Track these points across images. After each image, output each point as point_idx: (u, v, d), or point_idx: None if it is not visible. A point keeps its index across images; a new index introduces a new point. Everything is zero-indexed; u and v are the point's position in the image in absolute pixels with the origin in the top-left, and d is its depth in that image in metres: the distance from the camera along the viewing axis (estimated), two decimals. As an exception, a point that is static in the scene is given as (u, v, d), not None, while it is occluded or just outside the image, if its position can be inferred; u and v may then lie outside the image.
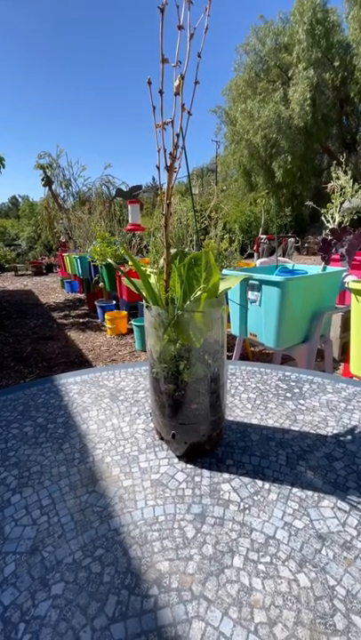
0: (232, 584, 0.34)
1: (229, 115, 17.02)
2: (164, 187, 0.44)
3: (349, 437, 0.57)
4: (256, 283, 1.75)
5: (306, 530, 0.40)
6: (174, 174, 0.42)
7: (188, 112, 0.38)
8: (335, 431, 0.59)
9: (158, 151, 0.41)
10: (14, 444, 0.58)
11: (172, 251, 0.50)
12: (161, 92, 0.37)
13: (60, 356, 3.27)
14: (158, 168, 0.42)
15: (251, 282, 1.78)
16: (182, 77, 0.37)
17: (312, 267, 2.14)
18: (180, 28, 0.37)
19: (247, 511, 0.43)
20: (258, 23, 15.70)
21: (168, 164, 0.41)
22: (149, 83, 0.39)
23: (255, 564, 0.36)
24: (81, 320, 4.68)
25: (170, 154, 0.40)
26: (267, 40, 15.48)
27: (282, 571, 0.36)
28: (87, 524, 0.42)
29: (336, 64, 14.06)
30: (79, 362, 3.09)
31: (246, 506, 0.44)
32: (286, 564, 0.36)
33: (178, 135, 0.39)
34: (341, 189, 2.00)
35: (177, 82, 0.38)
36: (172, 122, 0.39)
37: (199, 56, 0.37)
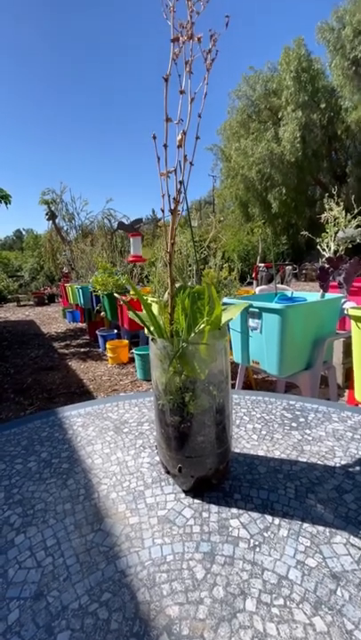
0: (245, 630, 0.33)
1: (225, 152, 18.03)
2: (168, 222, 0.47)
3: (358, 468, 0.56)
4: (256, 310, 1.78)
5: (319, 569, 0.39)
6: (177, 216, 0.45)
7: (190, 162, 0.42)
8: (343, 462, 0.58)
9: (163, 196, 0.44)
10: (18, 481, 0.57)
11: (176, 285, 0.53)
12: (165, 146, 0.41)
13: (60, 386, 3.24)
14: (163, 211, 0.45)
15: (251, 309, 1.81)
16: (184, 133, 0.41)
17: (311, 294, 2.17)
18: (181, 92, 0.41)
19: (258, 549, 0.42)
20: (248, 73, 17.09)
21: (172, 208, 0.44)
22: (154, 137, 0.43)
23: (268, 608, 0.35)
24: (82, 349, 4.67)
25: (174, 199, 0.43)
26: (257, 86, 16.74)
27: (296, 614, 0.34)
28: (93, 566, 0.40)
29: (323, 106, 15.10)
30: (80, 392, 3.06)
31: (257, 543, 0.43)
32: (301, 606, 0.35)
33: (181, 182, 0.42)
34: (335, 220, 2.08)
35: (179, 136, 0.42)
36: (175, 170, 0.43)
37: (199, 116, 0.41)
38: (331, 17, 13.99)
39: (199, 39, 0.38)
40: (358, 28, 12.86)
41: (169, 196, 0.44)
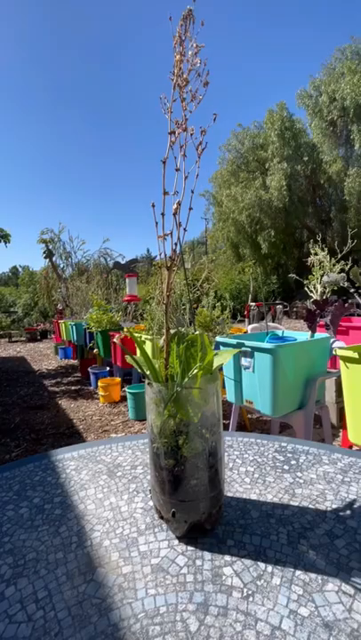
0: None
1: (216, 198, 19.24)
2: (162, 261, 0.53)
3: (349, 512, 0.57)
4: (248, 349, 1.82)
5: (312, 618, 0.39)
6: (173, 272, 0.51)
7: (184, 229, 0.48)
8: (334, 506, 0.59)
9: (160, 254, 0.50)
10: (9, 529, 0.56)
11: (171, 332, 0.57)
12: (163, 215, 0.47)
13: (49, 427, 3.14)
14: (161, 267, 0.50)
15: (243, 349, 1.85)
16: (179, 204, 0.48)
17: (301, 333, 2.24)
18: (177, 170, 0.49)
19: (251, 598, 0.42)
20: (237, 129, 18.82)
21: (168, 265, 0.49)
22: (153, 206, 0.49)
23: (262, 661, 0.35)
24: (73, 387, 4.59)
25: (169, 257, 0.49)
26: (245, 141, 18.35)
27: (290, 667, 0.34)
28: (85, 619, 0.40)
29: (305, 159, 16.50)
30: (69, 433, 2.96)
31: (250, 592, 0.43)
32: (294, 658, 0.35)
33: (176, 244, 0.48)
34: (320, 263, 2.21)
35: (175, 206, 0.49)
36: (171, 233, 0.49)
37: (192, 192, 0.48)
38: (308, 86, 15.85)
39: (192, 133, 0.46)
40: (333, 96, 14.51)
41: (165, 255, 0.50)
